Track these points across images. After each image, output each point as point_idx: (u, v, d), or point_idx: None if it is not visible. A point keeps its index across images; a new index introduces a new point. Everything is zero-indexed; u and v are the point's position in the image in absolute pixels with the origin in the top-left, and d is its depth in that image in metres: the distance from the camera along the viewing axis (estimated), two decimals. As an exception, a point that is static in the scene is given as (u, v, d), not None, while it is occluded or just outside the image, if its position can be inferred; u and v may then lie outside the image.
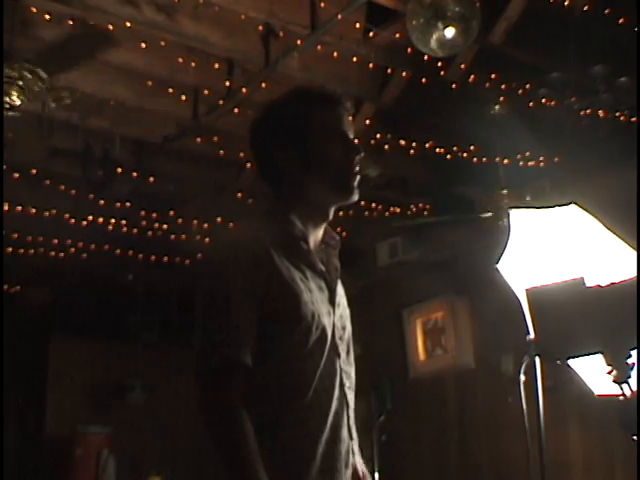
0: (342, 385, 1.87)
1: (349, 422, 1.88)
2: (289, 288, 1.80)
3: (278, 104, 2.01)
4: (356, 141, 1.97)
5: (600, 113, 4.39)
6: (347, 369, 1.91)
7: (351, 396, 1.90)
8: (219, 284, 1.81)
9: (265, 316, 1.78)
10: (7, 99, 3.50)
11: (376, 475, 5.23)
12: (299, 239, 1.90)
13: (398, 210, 5.79)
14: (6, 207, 5.18)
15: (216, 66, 4.36)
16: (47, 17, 3.83)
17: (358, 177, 1.94)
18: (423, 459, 5.93)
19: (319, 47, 4.23)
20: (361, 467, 2.00)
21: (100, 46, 4.03)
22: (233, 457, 1.70)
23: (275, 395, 1.79)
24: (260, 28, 4.20)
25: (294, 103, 1.98)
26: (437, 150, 5.00)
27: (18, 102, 3.56)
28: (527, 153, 4.93)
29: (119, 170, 4.93)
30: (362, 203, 5.75)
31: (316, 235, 1.97)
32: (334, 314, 1.92)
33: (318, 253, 1.96)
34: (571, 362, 2.74)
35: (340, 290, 2.02)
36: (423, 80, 4.53)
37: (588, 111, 4.38)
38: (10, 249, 5.75)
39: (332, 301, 1.93)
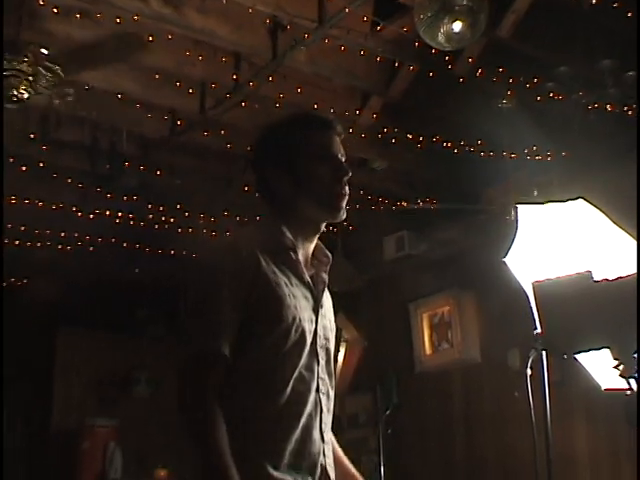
0: (318, 390, 1.98)
1: (321, 425, 1.98)
2: (273, 290, 1.92)
3: (275, 126, 2.16)
4: (344, 160, 2.08)
5: (608, 107, 4.38)
6: (324, 377, 2.01)
7: (326, 402, 2.01)
8: (206, 283, 1.94)
9: (248, 317, 1.89)
10: (15, 92, 3.51)
11: (382, 468, 5.24)
12: (288, 249, 2.01)
13: (405, 204, 5.79)
14: (14, 200, 5.19)
15: (223, 59, 4.36)
16: (55, 10, 3.83)
17: (346, 197, 2.06)
18: (429, 453, 5.94)
19: (326, 40, 4.23)
20: (348, 469, 2.16)
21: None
22: (203, 445, 1.80)
23: (252, 390, 1.90)
24: (267, 21, 4.20)
25: (289, 126, 2.13)
26: (444, 144, 4.99)
27: (26, 95, 3.56)
28: (534, 147, 4.91)
29: (126, 164, 4.94)
30: (369, 197, 5.75)
31: (307, 249, 2.09)
32: (316, 322, 2.01)
33: (307, 266, 2.07)
34: (578, 356, 2.74)
35: (327, 304, 2.12)
36: (430, 74, 4.52)
37: (596, 105, 4.37)
38: (17, 242, 5.77)
39: (316, 310, 2.02)
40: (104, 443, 6.28)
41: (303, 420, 1.92)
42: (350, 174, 2.06)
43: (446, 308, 5.97)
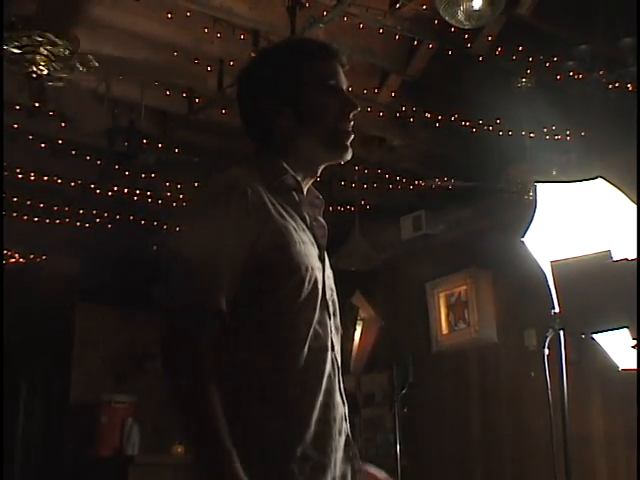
0: (333, 347, 1.75)
1: (340, 387, 1.76)
2: (282, 237, 1.68)
3: (271, 52, 1.95)
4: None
5: (629, 86, 4.34)
6: (335, 332, 1.79)
7: (339, 361, 1.78)
8: (200, 225, 1.69)
9: (255, 264, 1.64)
10: (33, 68, 3.50)
11: (398, 447, 5.26)
12: (292, 189, 1.80)
13: (423, 183, 5.77)
14: (33, 177, 5.22)
15: (241, 37, 4.35)
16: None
17: (352, 135, 1.86)
18: (445, 432, 5.95)
19: (345, 18, 4.20)
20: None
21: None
22: (197, 420, 1.55)
23: (265, 354, 1.66)
24: (286, -1, 4.18)
25: (288, 52, 1.90)
26: (463, 123, 4.96)
27: (45, 71, 3.56)
28: (553, 127, 4.88)
29: (144, 141, 4.95)
30: (386, 176, 5.74)
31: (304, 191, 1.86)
32: (324, 271, 1.79)
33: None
34: (595, 336, 2.74)
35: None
36: (449, 52, 4.49)
37: (616, 84, 4.33)
38: (36, 218, 5.80)
39: (322, 258, 1.80)
40: (122, 419, 6.32)
41: (324, 383, 1.69)
42: (359, 109, 1.85)
43: (463, 288, 5.97)
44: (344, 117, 1.84)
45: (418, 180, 5.75)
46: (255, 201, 1.66)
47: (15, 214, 5.70)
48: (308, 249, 1.74)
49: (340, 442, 1.71)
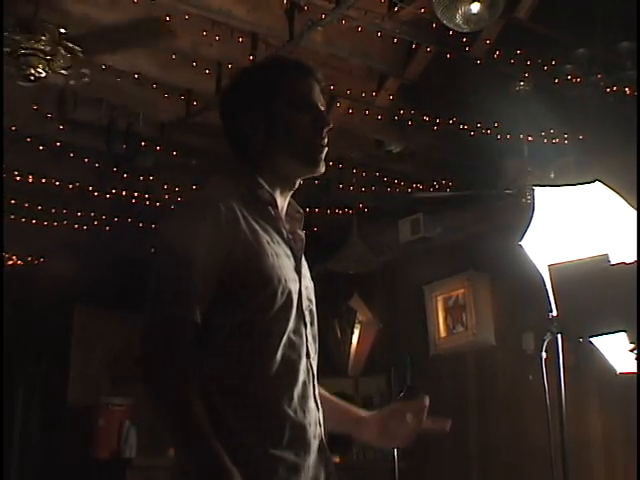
0: (308, 355, 1.83)
1: (315, 393, 1.84)
2: (255, 250, 1.75)
3: (249, 70, 2.04)
4: (324, 111, 1.93)
5: (627, 90, 4.34)
6: (312, 340, 1.87)
7: (315, 368, 1.86)
8: (177, 240, 1.75)
9: (228, 280, 1.72)
10: (32, 70, 3.51)
11: (395, 450, 5.25)
12: (268, 203, 1.85)
13: (421, 186, 5.78)
14: (31, 179, 5.22)
15: (240, 40, 4.35)
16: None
17: (325, 149, 1.90)
18: (442, 435, 5.94)
19: (343, 21, 4.21)
20: (339, 404, 2.05)
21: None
22: (177, 419, 1.63)
23: (239, 361, 1.73)
24: (284, 2, 4.18)
25: (265, 69, 1.98)
26: (461, 126, 4.97)
27: (43, 74, 3.56)
28: (551, 130, 4.89)
29: (142, 144, 4.95)
30: (384, 179, 5.74)
31: (282, 205, 1.92)
32: (300, 283, 1.85)
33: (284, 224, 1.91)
34: (593, 340, 2.74)
35: (305, 264, 1.94)
36: (447, 55, 4.50)
37: (614, 88, 4.34)
38: (34, 220, 5.80)
39: (298, 270, 1.87)
40: (119, 421, 6.31)
41: (299, 389, 1.77)
42: (331, 125, 1.90)
43: (461, 291, 5.97)
44: (317, 133, 1.89)
45: (416, 183, 5.76)
46: (228, 217, 1.73)
47: (13, 216, 5.70)
48: (282, 261, 1.80)
49: (314, 446, 1.79)
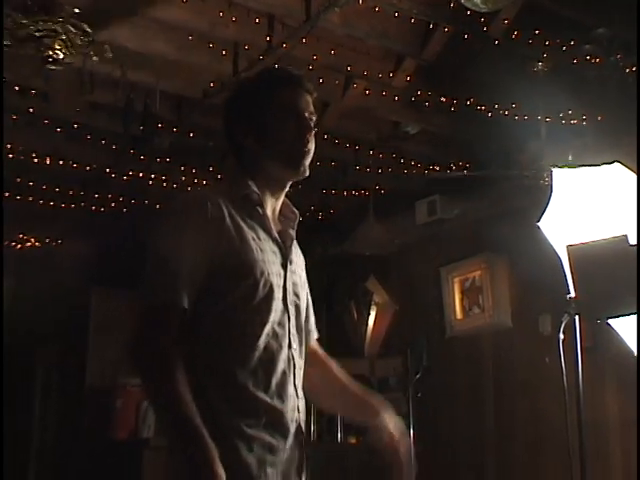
0: (290, 346, 1.97)
1: (295, 381, 1.98)
2: (238, 244, 1.91)
3: (244, 83, 2.21)
4: (312, 119, 2.06)
5: (646, 70, 4.31)
6: (295, 333, 2.00)
7: (298, 358, 2.00)
8: (168, 233, 1.93)
9: (214, 271, 1.87)
10: (50, 52, 3.51)
11: (412, 432, 5.27)
12: (255, 204, 2.01)
13: (438, 168, 5.76)
14: (48, 161, 5.24)
15: (256, 21, 4.34)
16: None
17: (309, 154, 2.05)
18: (459, 417, 5.96)
19: (360, 2, 4.18)
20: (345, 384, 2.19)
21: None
22: (162, 397, 1.80)
23: (222, 347, 1.88)
24: (301, -18, 4.16)
25: (257, 83, 2.13)
26: (478, 107, 4.94)
27: (61, 55, 3.57)
28: (570, 111, 4.85)
29: (159, 125, 4.95)
30: (401, 160, 5.73)
31: (273, 205, 2.09)
32: (285, 278, 2.00)
33: (275, 222, 2.07)
34: (611, 321, 2.73)
35: (299, 261, 2.12)
36: (465, 36, 4.47)
37: (634, 68, 4.30)
38: (52, 202, 5.82)
39: (284, 265, 2.02)
40: (137, 402, 6.34)
41: (277, 377, 1.92)
42: (315, 130, 2.05)
43: (477, 273, 5.95)
44: (300, 139, 2.04)
45: (433, 164, 5.74)
46: (214, 213, 1.90)
47: (31, 198, 5.73)
48: (267, 256, 1.96)
49: (291, 430, 1.94)
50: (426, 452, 5.46)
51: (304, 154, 2.04)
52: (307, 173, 2.06)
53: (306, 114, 2.05)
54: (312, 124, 2.05)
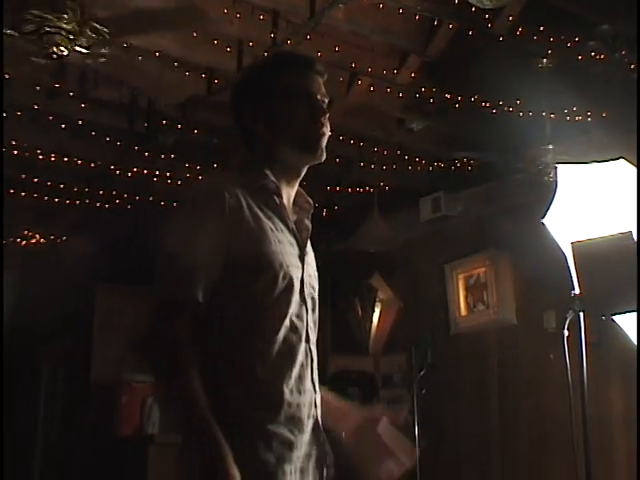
0: (308, 339, 1.93)
1: (313, 375, 1.94)
2: (257, 236, 1.85)
3: (253, 68, 2.16)
4: (325, 101, 2.01)
5: (651, 67, 4.30)
6: (312, 326, 1.96)
7: (315, 352, 1.96)
8: (183, 224, 1.86)
9: (231, 263, 1.81)
10: (55, 49, 3.51)
11: (416, 428, 5.28)
12: (273, 193, 1.95)
13: (442, 165, 5.76)
14: (53, 157, 5.25)
15: (261, 17, 4.33)
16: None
17: (326, 136, 1.99)
18: (463, 413, 5.96)
19: (365, -2, 4.19)
20: (337, 403, 2.10)
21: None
22: (172, 396, 1.78)
23: (240, 341, 1.83)
24: (305, -21, 4.16)
25: (266, 66, 2.10)
26: (483, 104, 4.93)
27: (66, 52, 3.57)
28: (574, 108, 4.85)
29: (164, 122, 4.96)
30: (405, 157, 5.72)
31: (289, 194, 2.02)
32: (303, 270, 1.95)
33: (290, 213, 2.01)
34: (616, 317, 2.73)
35: (311, 253, 2.06)
36: (470, 32, 4.46)
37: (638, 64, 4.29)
38: (57, 199, 5.83)
39: (301, 258, 1.97)
40: (142, 398, 6.36)
41: (296, 370, 1.87)
42: (327, 114, 1.99)
43: (482, 269, 5.96)
44: (315, 121, 1.97)
45: (437, 161, 5.73)
46: (232, 204, 1.83)
47: (36, 195, 5.74)
48: (285, 248, 1.90)
49: (308, 425, 1.89)
50: (431, 449, 5.48)
51: (320, 136, 1.97)
52: (324, 156, 1.99)
53: (318, 96, 1.99)
54: (325, 106, 1.99)
